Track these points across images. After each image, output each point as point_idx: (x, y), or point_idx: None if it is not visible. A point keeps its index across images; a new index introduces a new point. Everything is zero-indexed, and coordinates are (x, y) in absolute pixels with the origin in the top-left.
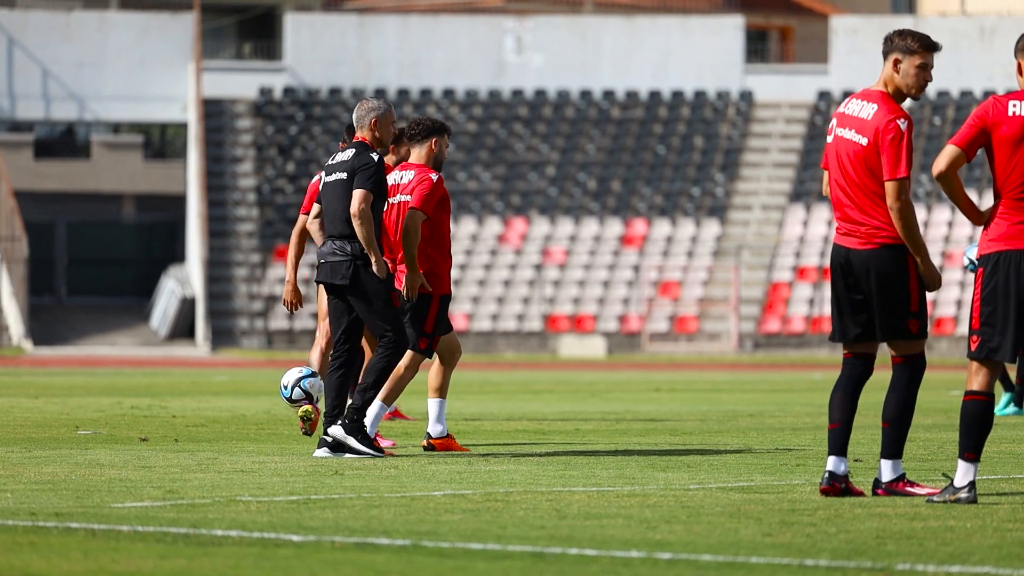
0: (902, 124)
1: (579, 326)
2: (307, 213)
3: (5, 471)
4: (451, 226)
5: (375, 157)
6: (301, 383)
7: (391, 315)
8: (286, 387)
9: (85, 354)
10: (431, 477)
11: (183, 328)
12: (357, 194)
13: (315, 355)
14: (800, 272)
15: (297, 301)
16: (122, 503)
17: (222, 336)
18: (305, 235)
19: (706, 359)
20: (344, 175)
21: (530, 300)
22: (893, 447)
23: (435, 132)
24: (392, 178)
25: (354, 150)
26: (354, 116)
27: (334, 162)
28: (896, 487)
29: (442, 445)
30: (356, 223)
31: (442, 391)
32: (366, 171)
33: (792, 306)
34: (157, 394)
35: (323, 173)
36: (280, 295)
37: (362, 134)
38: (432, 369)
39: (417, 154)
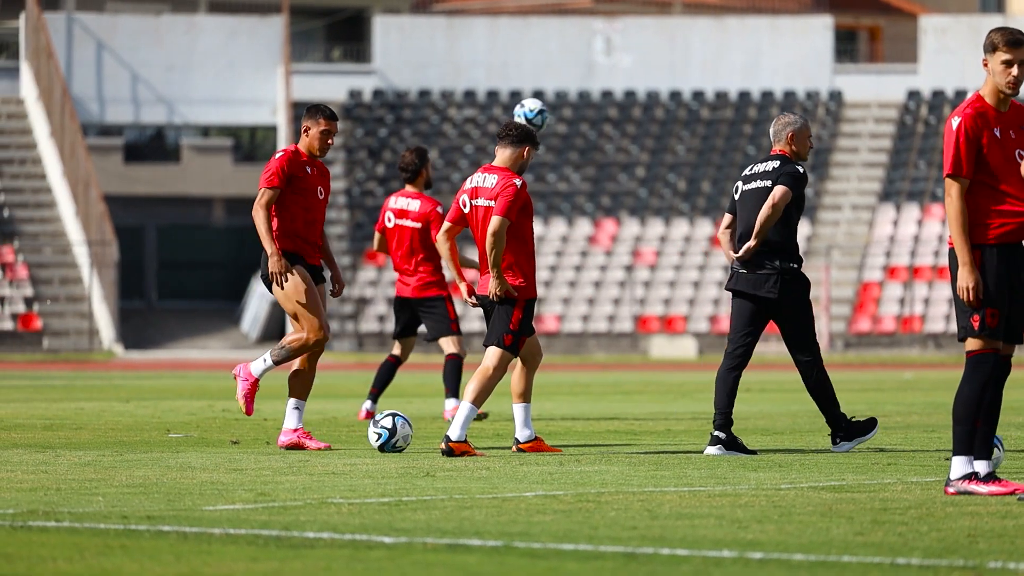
0: (954, 122)
1: (669, 327)
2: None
3: (97, 475)
4: (542, 228)
5: (800, 168)
6: (397, 419)
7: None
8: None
9: (176, 357)
10: (523, 478)
11: (273, 331)
12: (779, 190)
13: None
14: (891, 271)
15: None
16: (214, 506)
17: None
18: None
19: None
20: (768, 183)
21: (620, 301)
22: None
23: (528, 140)
24: (474, 180)
25: (779, 162)
26: (771, 130)
27: (752, 172)
28: (966, 484)
29: (532, 448)
30: (763, 218)
31: (526, 395)
32: (790, 177)
33: (883, 305)
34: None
35: (740, 183)
36: (369, 297)
37: (780, 147)
38: (515, 374)
39: (504, 157)
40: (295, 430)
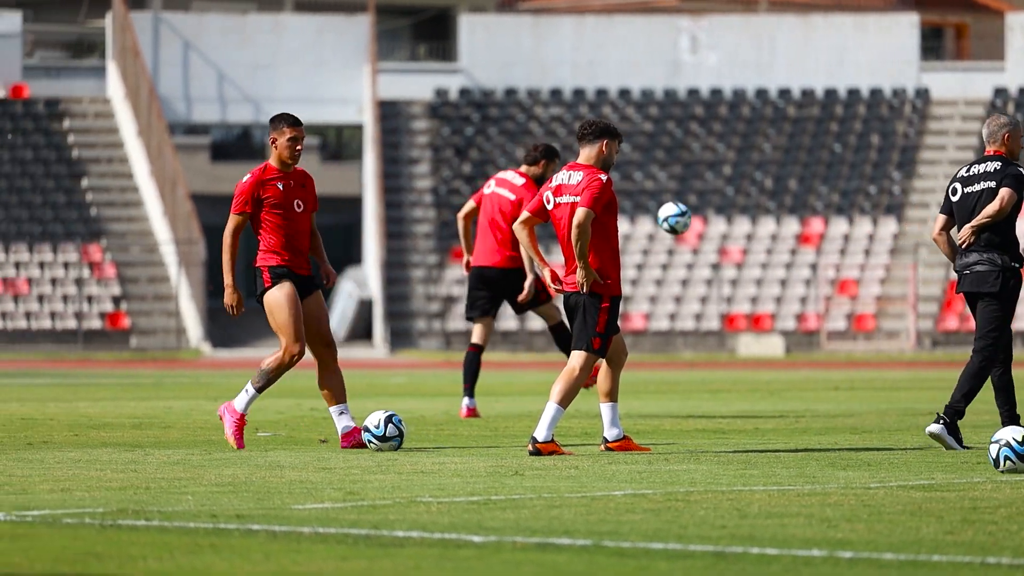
0: None
1: (757, 325)
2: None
3: (186, 473)
4: (629, 226)
5: (1022, 169)
6: (393, 419)
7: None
8: (376, 426)
9: (263, 356)
10: (611, 477)
11: (361, 330)
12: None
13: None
14: None
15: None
16: (303, 504)
17: (400, 337)
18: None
19: (884, 357)
20: (992, 183)
21: (708, 299)
22: None
23: (606, 134)
24: (559, 178)
25: (1000, 163)
26: (984, 132)
27: (971, 174)
28: None
29: (620, 447)
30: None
31: (612, 395)
32: (1014, 179)
33: None
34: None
35: (958, 184)
36: (456, 295)
37: (995, 147)
38: (600, 373)
39: (586, 155)
40: (354, 431)
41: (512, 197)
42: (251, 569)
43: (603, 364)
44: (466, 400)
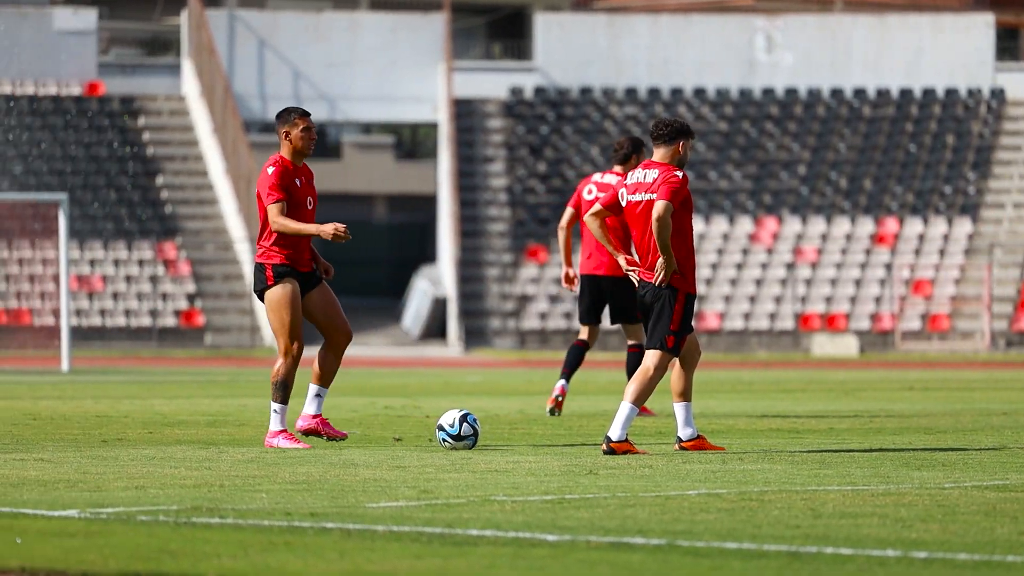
0: None
1: (831, 325)
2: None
3: (261, 471)
4: (704, 226)
5: None
6: (468, 418)
7: None
8: (451, 425)
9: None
10: (686, 476)
11: (435, 328)
12: None
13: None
14: None
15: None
16: (377, 503)
17: (474, 336)
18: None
19: (959, 357)
20: None
21: (782, 299)
22: None
23: (683, 134)
24: (635, 176)
25: None
26: None
27: None
28: None
29: (694, 446)
30: None
31: (686, 394)
32: None
33: None
34: (410, 394)
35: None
36: (531, 295)
37: None
38: (673, 373)
39: (661, 154)
40: (317, 416)
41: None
42: (325, 567)
43: (676, 364)
44: (562, 382)
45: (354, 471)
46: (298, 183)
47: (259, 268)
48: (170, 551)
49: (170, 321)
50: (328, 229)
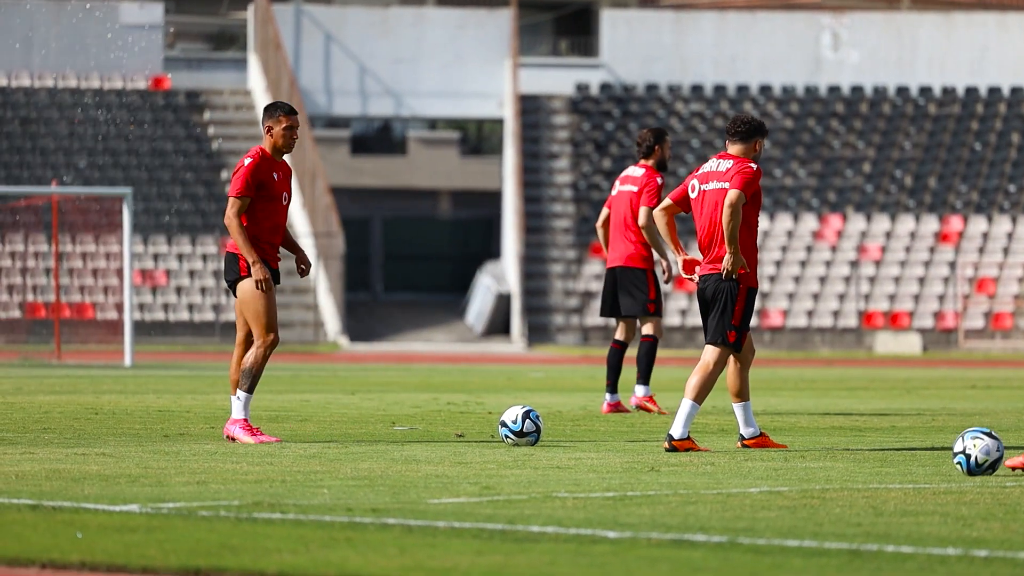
0: None
1: (895, 323)
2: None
3: (322, 467)
4: (768, 223)
5: None
6: (531, 415)
7: None
8: (514, 421)
9: (400, 350)
10: (747, 474)
11: (499, 324)
12: None
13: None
14: None
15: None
16: (438, 499)
17: (538, 332)
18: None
19: (1022, 356)
20: None
21: (846, 297)
22: None
23: (759, 132)
24: (708, 165)
25: None
26: None
27: None
28: None
29: (757, 444)
30: None
31: (743, 394)
32: None
33: None
34: (473, 390)
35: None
36: (595, 291)
37: None
38: (729, 373)
39: (736, 151)
40: (236, 420)
41: (635, 189)
42: (386, 563)
43: (731, 364)
44: (608, 396)
45: (416, 467)
46: (275, 177)
47: (231, 258)
48: (231, 546)
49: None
50: (258, 273)
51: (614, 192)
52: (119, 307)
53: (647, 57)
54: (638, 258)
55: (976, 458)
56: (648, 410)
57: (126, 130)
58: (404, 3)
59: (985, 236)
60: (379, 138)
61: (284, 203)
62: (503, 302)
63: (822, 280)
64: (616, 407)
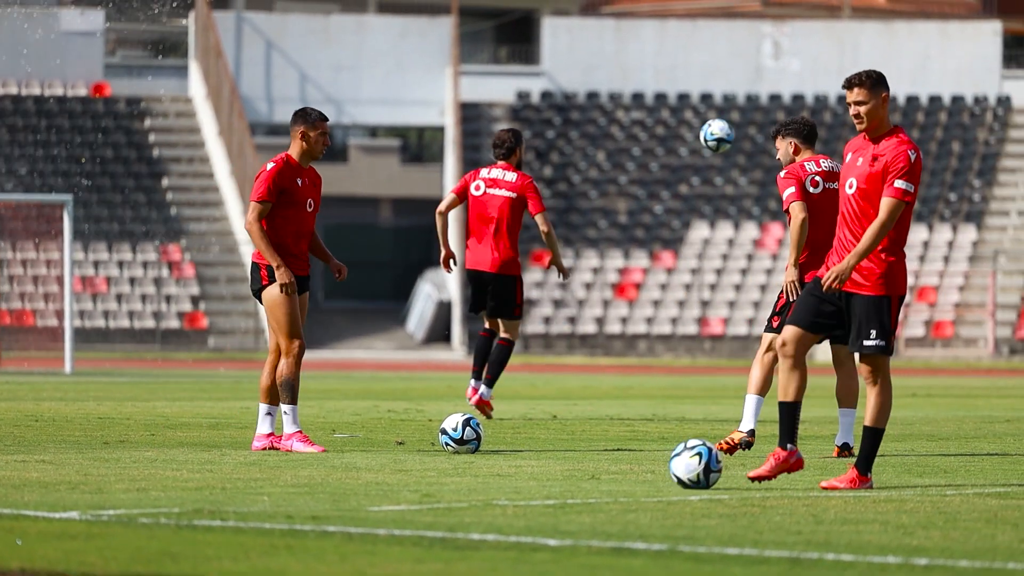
0: None
1: None
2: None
3: (263, 474)
4: (709, 231)
5: None
6: (471, 423)
7: None
8: (454, 429)
9: (341, 358)
10: None
11: (439, 332)
12: None
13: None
14: None
15: None
16: (378, 506)
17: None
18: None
19: (962, 364)
20: None
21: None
22: None
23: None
24: (826, 164)
25: None
26: None
27: None
28: None
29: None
30: None
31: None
32: None
33: None
34: (413, 398)
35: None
36: (535, 299)
37: None
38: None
39: (785, 150)
40: (268, 435)
41: (513, 196)
42: (326, 571)
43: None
44: (473, 382)
45: (356, 474)
46: (299, 183)
47: (254, 268)
48: (171, 553)
49: (174, 323)
50: (282, 277)
51: (478, 192)
52: (59, 314)
53: (588, 65)
54: (514, 265)
55: (680, 477)
56: (484, 413)
57: (67, 137)
58: (345, 11)
59: (926, 245)
60: None
61: (309, 210)
62: (444, 310)
63: (763, 288)
64: (481, 400)
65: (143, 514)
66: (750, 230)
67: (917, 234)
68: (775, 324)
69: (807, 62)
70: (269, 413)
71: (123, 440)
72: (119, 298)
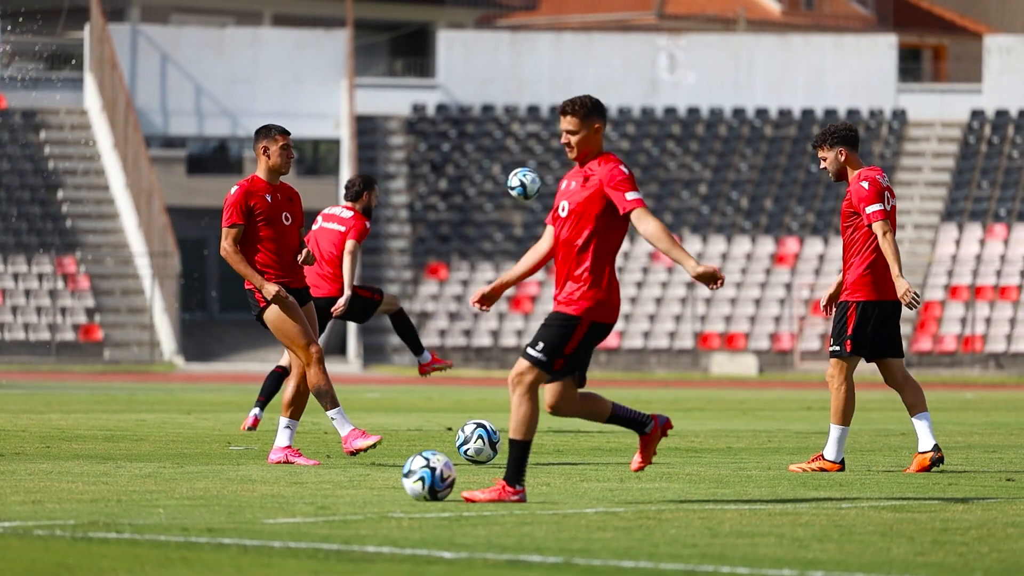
0: None
1: (731, 344)
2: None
3: (157, 486)
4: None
5: None
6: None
7: None
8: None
9: (236, 370)
10: (583, 494)
11: (335, 345)
12: None
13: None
14: (952, 291)
15: None
16: (274, 519)
17: (374, 353)
18: None
19: (858, 378)
20: None
21: (682, 318)
22: None
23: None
24: (886, 179)
25: None
26: None
27: None
28: None
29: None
30: None
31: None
32: None
33: (944, 325)
34: (309, 410)
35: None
36: (431, 311)
37: None
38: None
39: (834, 159)
40: (285, 448)
41: (341, 229)
42: None
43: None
44: (256, 410)
45: (252, 487)
46: (269, 199)
47: (249, 294)
48: (67, 566)
49: (69, 335)
50: (271, 289)
51: (315, 227)
52: None
53: (484, 78)
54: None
55: (439, 472)
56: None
57: None
58: (240, 23)
59: (821, 258)
60: (215, 158)
61: (288, 224)
62: (338, 323)
63: (658, 301)
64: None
65: (38, 526)
66: (645, 243)
67: (812, 248)
68: (848, 348)
69: (702, 75)
70: (288, 427)
71: (18, 452)
72: (14, 310)
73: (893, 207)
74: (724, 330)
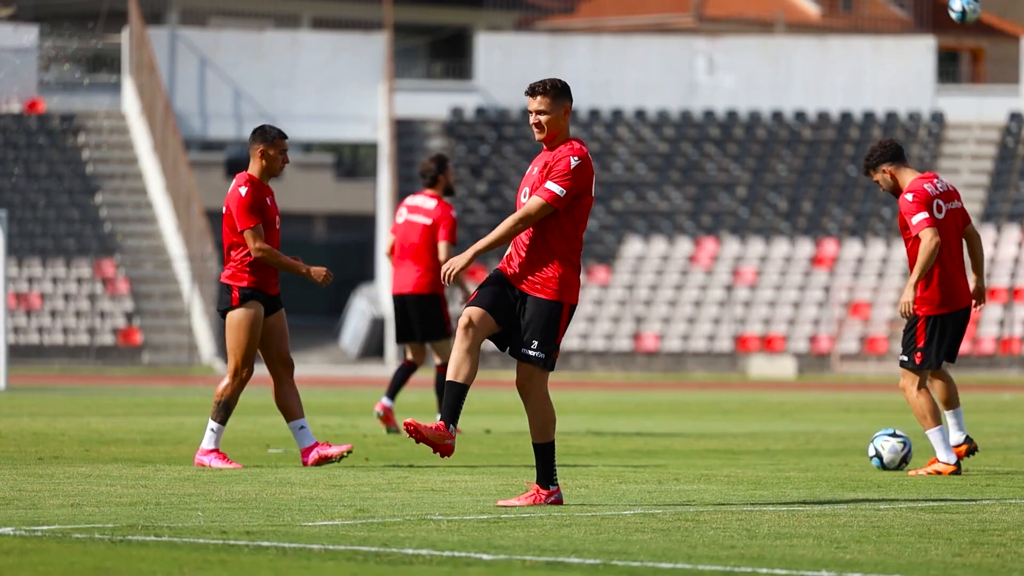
0: None
1: (769, 346)
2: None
3: (197, 489)
4: (643, 246)
5: None
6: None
7: None
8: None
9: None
10: (621, 497)
11: (373, 347)
12: None
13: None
14: (991, 293)
15: None
16: (313, 522)
17: None
18: None
19: (896, 379)
20: None
21: (720, 320)
22: None
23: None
24: (942, 184)
25: None
26: None
27: None
28: None
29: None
30: None
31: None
32: None
33: (982, 327)
34: (347, 413)
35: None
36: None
37: None
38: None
39: (885, 181)
40: (314, 445)
41: (427, 222)
42: None
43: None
44: (385, 400)
45: (290, 490)
46: (268, 202)
47: (225, 288)
48: (105, 569)
49: (108, 339)
50: (321, 271)
51: (400, 220)
52: None
53: (522, 81)
54: (428, 285)
55: (884, 457)
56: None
57: (1, 153)
58: (279, 27)
59: (859, 260)
60: None
61: (276, 227)
62: (378, 325)
63: (697, 304)
64: (389, 414)
65: (77, 529)
66: (684, 246)
67: (851, 250)
68: (919, 361)
69: (741, 78)
70: (301, 427)
71: (57, 456)
72: (53, 314)
73: (951, 211)
74: (762, 332)
